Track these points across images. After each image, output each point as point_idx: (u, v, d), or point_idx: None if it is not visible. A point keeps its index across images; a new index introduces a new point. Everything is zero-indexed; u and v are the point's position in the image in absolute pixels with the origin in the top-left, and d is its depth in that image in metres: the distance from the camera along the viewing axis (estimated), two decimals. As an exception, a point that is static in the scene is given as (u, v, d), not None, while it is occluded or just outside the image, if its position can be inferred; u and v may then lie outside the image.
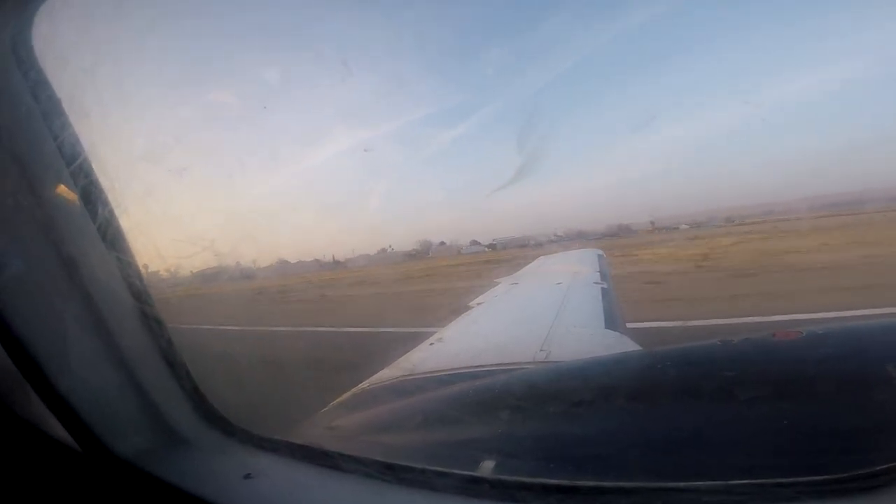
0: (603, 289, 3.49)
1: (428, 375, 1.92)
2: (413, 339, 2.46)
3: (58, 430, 0.98)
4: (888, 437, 0.79)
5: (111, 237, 1.04)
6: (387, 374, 2.05)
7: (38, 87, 0.97)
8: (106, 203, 1.04)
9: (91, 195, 1.01)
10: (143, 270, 1.10)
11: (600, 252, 5.94)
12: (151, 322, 1.10)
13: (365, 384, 1.94)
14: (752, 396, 1.02)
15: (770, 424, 0.95)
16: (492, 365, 1.88)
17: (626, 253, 14.81)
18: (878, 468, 0.65)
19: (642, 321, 5.77)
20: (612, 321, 2.58)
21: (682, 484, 0.73)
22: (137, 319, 1.08)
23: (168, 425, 1.09)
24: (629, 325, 2.81)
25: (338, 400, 1.81)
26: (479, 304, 3.79)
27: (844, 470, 0.67)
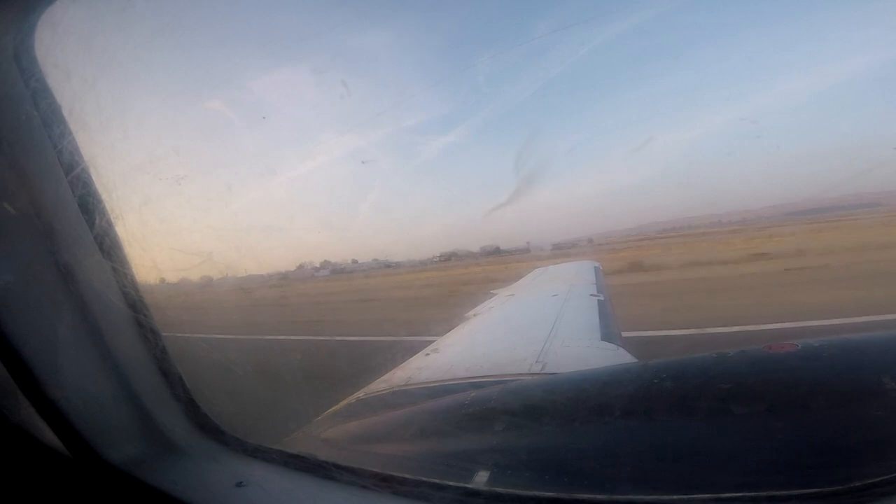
0: (599, 301, 3.49)
1: (423, 386, 1.91)
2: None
3: (49, 436, 0.97)
4: (883, 450, 0.80)
5: (108, 246, 1.04)
6: (382, 384, 2.03)
7: (39, 95, 0.97)
8: (103, 212, 1.04)
9: (89, 204, 1.02)
10: (138, 280, 1.10)
11: (597, 264, 5.97)
12: (146, 331, 1.09)
13: (360, 394, 1.93)
14: (748, 410, 1.02)
15: (765, 437, 0.95)
16: (487, 376, 1.87)
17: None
18: (872, 481, 0.65)
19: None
20: (608, 333, 2.58)
21: (677, 496, 0.73)
22: (132, 328, 1.08)
23: (161, 433, 1.08)
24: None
25: (332, 409, 1.79)
26: (475, 315, 3.78)
27: (839, 482, 0.67)
